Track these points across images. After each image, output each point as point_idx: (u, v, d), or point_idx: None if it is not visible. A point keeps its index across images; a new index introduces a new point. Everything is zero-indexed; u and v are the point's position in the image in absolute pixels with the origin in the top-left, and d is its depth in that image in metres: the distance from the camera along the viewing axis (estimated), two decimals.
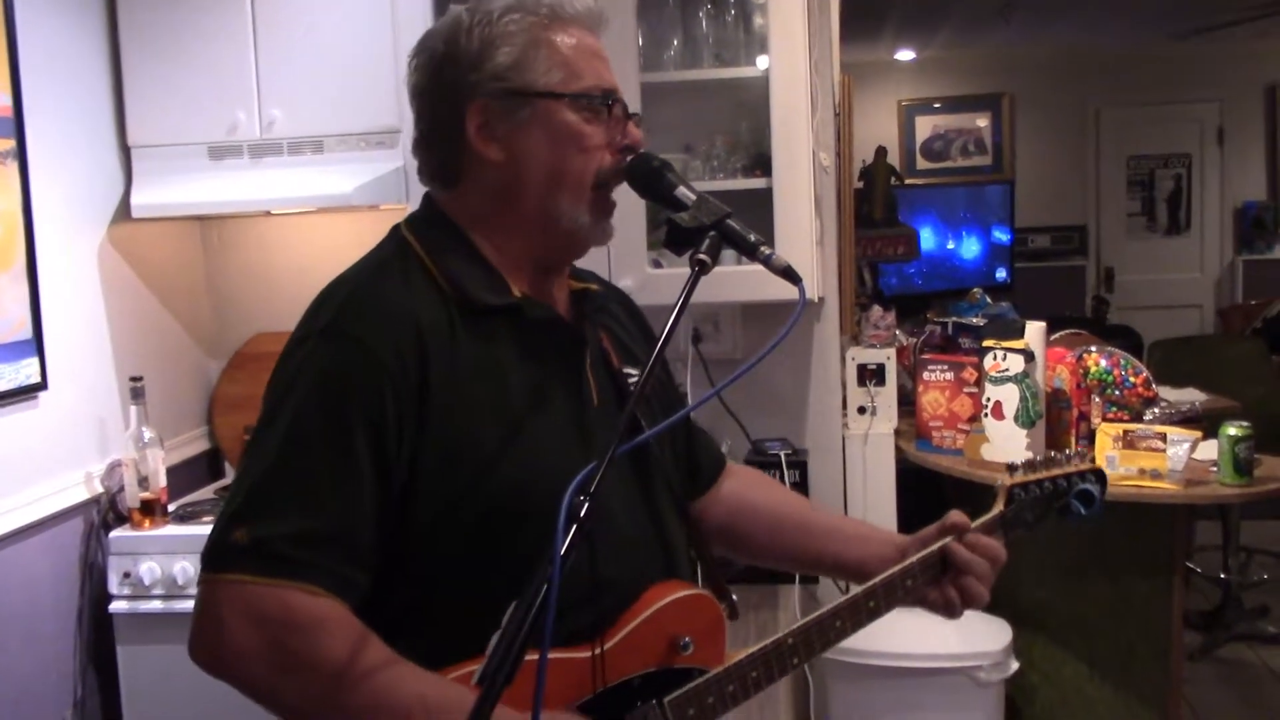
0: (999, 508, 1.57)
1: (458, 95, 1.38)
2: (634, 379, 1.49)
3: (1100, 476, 1.63)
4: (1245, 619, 4.59)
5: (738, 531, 1.66)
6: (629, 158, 1.44)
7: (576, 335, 1.45)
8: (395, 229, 1.46)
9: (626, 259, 2.92)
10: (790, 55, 2.92)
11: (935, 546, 1.50)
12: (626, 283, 2.92)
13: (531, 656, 1.08)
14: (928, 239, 7.70)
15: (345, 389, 1.28)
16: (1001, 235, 8.12)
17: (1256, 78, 8.44)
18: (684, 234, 1.41)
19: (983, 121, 8.78)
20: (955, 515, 1.53)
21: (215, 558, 1.26)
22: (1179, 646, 3.13)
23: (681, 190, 1.43)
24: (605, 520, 1.32)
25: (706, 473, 1.68)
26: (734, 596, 1.55)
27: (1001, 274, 8.09)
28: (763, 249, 1.39)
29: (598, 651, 1.33)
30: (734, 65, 3.09)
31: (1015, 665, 2.89)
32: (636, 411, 1.28)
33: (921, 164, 8.79)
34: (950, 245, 7.90)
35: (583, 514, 1.13)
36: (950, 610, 1.50)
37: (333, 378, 1.28)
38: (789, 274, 1.39)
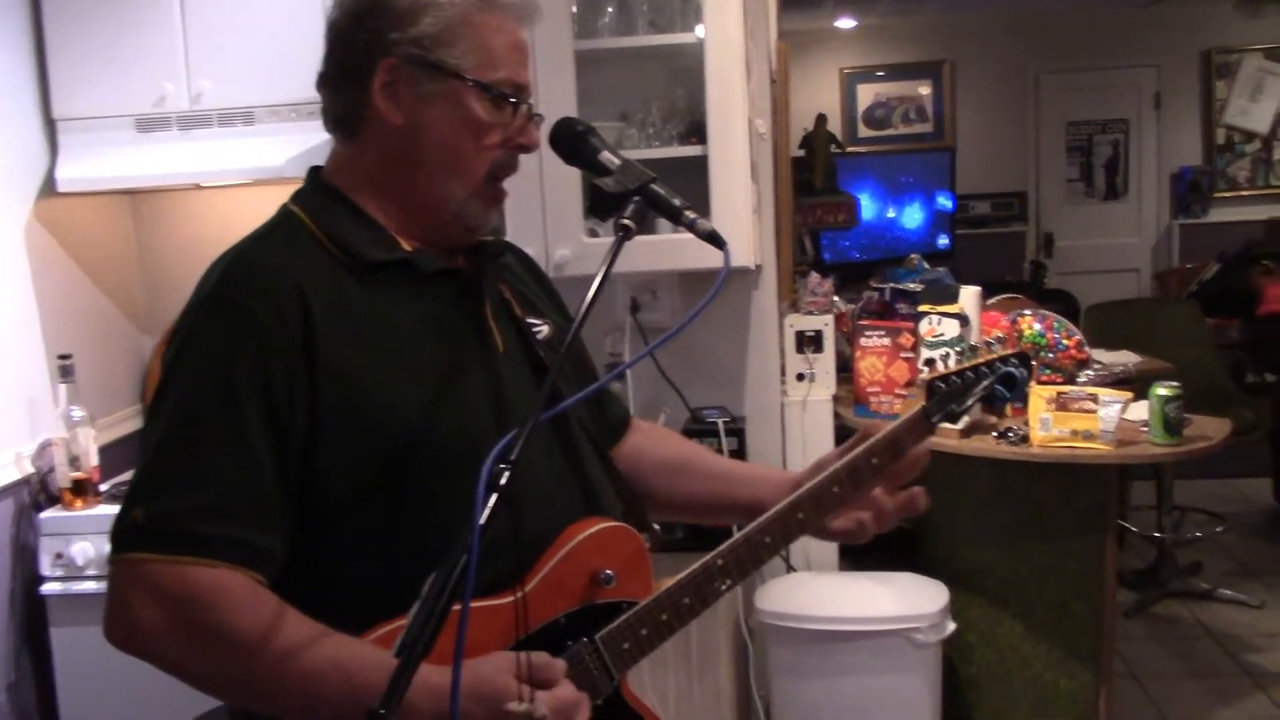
0: (922, 401, 1.57)
1: (372, 47, 1.37)
2: (537, 327, 1.51)
3: (1024, 359, 1.61)
4: (1179, 576, 4.68)
5: (641, 484, 1.66)
6: (551, 129, 1.45)
7: (474, 284, 1.45)
8: (282, 206, 1.46)
9: (561, 228, 2.91)
10: (725, 22, 2.91)
11: (861, 450, 1.49)
12: (563, 252, 2.91)
13: (456, 607, 1.08)
14: (871, 207, 7.74)
15: (229, 356, 1.27)
16: (945, 202, 8.18)
17: (1192, 44, 8.53)
18: (608, 199, 1.41)
19: (924, 89, 8.81)
20: (875, 423, 1.54)
21: (117, 538, 1.27)
22: (1112, 604, 3.18)
23: (606, 155, 1.43)
24: (524, 466, 1.32)
25: (613, 430, 1.69)
26: (656, 526, 1.56)
27: (944, 241, 8.15)
28: (687, 214, 1.40)
29: (518, 596, 1.33)
30: (669, 32, 3.08)
31: (952, 626, 2.93)
32: (553, 370, 1.29)
33: (864, 132, 8.82)
34: (890, 214, 7.94)
35: (503, 481, 1.13)
36: (881, 521, 1.51)
37: (216, 346, 1.28)
38: (714, 238, 1.41)
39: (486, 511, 1.11)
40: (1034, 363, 3.29)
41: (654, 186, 1.40)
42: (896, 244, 7.65)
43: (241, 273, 1.33)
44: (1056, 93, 8.67)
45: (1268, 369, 6.39)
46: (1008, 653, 3.19)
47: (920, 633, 2.85)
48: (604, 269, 1.32)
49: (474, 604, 1.26)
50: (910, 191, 8.09)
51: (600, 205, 1.44)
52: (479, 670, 1.23)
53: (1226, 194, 8.59)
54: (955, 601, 3.02)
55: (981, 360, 1.60)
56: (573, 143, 1.45)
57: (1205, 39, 8.49)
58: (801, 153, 7.04)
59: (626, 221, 1.37)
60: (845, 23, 8.43)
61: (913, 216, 8.10)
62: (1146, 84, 8.63)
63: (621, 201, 1.39)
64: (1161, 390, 2.98)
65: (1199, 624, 4.41)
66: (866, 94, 8.83)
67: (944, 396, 1.57)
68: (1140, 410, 3.09)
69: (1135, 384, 3.45)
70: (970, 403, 1.59)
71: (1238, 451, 4.81)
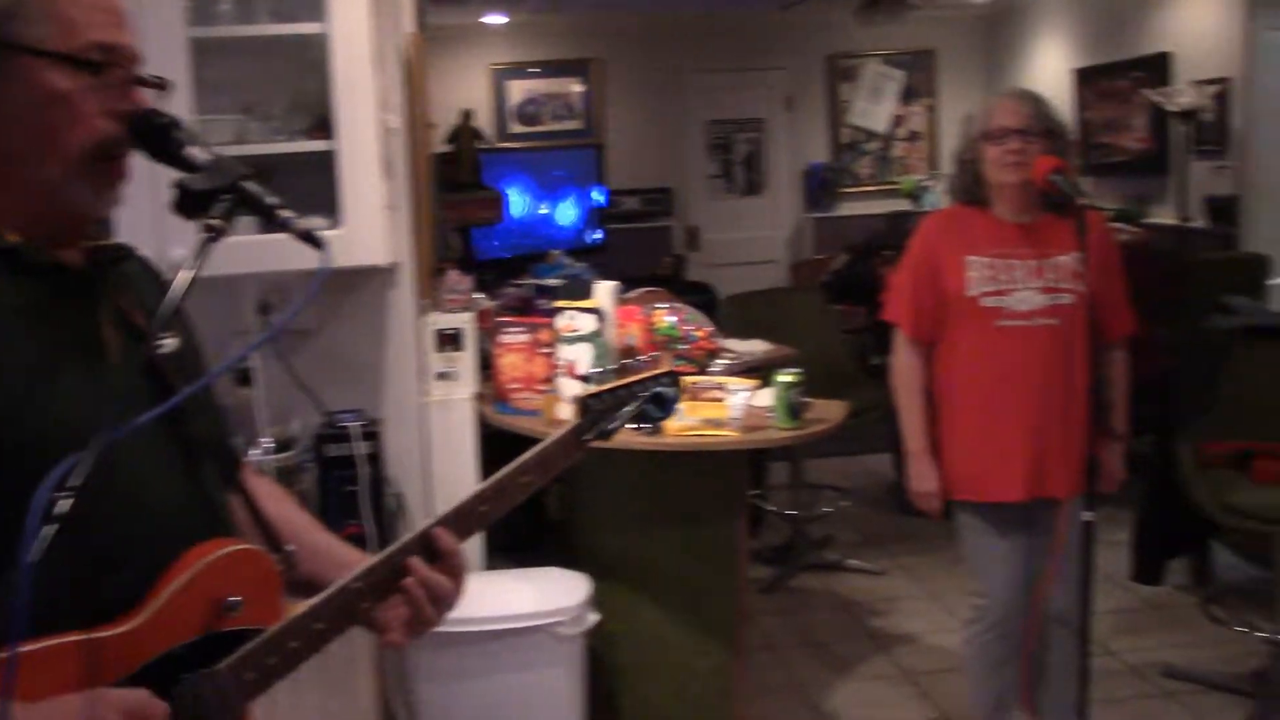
0: (575, 419, 1.57)
1: None
2: (161, 341, 1.39)
3: (674, 379, 1.64)
4: (812, 550, 4.98)
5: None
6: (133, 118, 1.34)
7: (88, 287, 1.33)
8: None
9: (178, 226, 2.72)
10: (351, 13, 2.83)
11: (512, 467, 1.47)
12: (180, 251, 2.73)
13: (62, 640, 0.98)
14: (524, 202, 7.80)
15: None
16: (598, 197, 8.36)
17: (819, 48, 9.11)
18: (196, 198, 1.32)
19: (575, 86, 8.97)
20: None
21: None
22: (745, 582, 3.34)
23: (193, 150, 1.34)
24: (133, 487, 1.24)
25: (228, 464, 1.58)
26: (290, 547, 1.48)
27: (596, 235, 8.34)
28: (281, 212, 1.33)
29: (129, 627, 1.23)
30: (293, 21, 2.95)
31: (594, 617, 2.98)
32: (128, 374, 1.20)
33: (516, 128, 8.88)
34: (543, 210, 8.04)
35: (60, 510, 1.04)
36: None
37: None
38: (310, 239, 1.35)
39: (40, 543, 1.02)
40: (676, 367, 3.40)
41: (246, 183, 1.32)
42: (551, 239, 7.76)
43: None
44: (699, 92, 9.04)
45: (888, 352, 6.90)
46: (649, 638, 3.28)
47: (562, 626, 2.88)
48: (191, 274, 1.25)
49: (72, 638, 1.17)
50: (563, 187, 8.22)
51: (186, 204, 1.34)
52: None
53: (852, 189, 9.24)
54: (599, 592, 3.08)
55: (633, 379, 1.62)
56: (154, 137, 1.34)
57: (830, 44, 9.09)
58: (450, 148, 7.01)
59: (215, 222, 1.30)
60: (494, 19, 8.45)
61: (566, 212, 8.23)
62: (779, 86, 9.15)
63: (209, 200, 1.31)
64: (783, 378, 3.14)
65: (829, 593, 4.71)
66: (517, 90, 8.89)
67: (596, 415, 1.58)
68: (767, 397, 3.24)
69: (764, 371, 3.63)
70: (621, 421, 1.61)
71: (862, 429, 5.17)
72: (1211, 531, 4.18)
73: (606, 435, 1.60)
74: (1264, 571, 4.08)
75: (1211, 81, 6.44)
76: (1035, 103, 2.98)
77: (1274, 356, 3.98)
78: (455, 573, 1.45)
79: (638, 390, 1.61)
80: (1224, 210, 6.38)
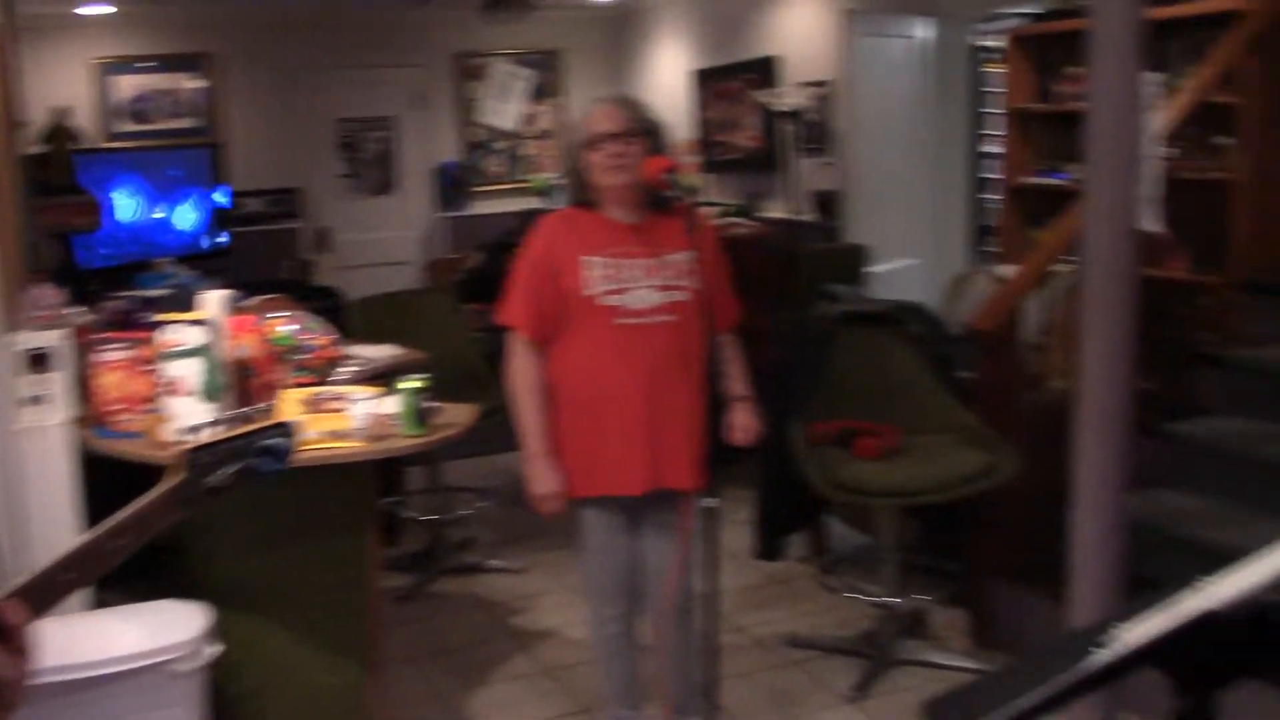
0: (179, 476, 1.43)
1: None
2: None
3: (286, 429, 1.54)
4: (452, 553, 4.95)
5: None
6: None
7: None
8: None
9: None
10: None
11: (104, 530, 1.30)
12: None
13: None
14: (137, 205, 7.32)
15: None
16: (221, 199, 7.96)
17: (447, 46, 9.06)
18: None
19: (191, 82, 8.48)
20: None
21: None
22: (377, 594, 3.26)
23: None
24: None
25: None
26: None
27: (220, 239, 7.95)
28: None
29: None
30: None
31: (213, 649, 2.81)
32: None
33: (127, 126, 8.29)
34: (159, 213, 7.57)
35: None
36: None
37: None
38: None
39: None
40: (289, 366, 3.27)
41: None
42: (168, 245, 7.32)
43: None
44: (326, 89, 8.77)
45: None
46: (277, 663, 3.13)
47: (177, 663, 2.70)
48: None
49: None
50: (181, 188, 7.78)
51: None
52: None
53: (484, 188, 9.26)
54: (222, 620, 2.91)
55: (242, 431, 1.50)
56: None
57: (458, 42, 9.05)
58: (47, 149, 6.47)
59: None
60: (96, 9, 7.84)
61: (186, 215, 7.80)
62: (408, 83, 9.02)
63: None
64: (406, 384, 3.09)
65: (470, 596, 4.69)
66: (126, 86, 8.31)
67: (201, 470, 1.45)
68: (392, 404, 3.17)
69: (391, 378, 3.56)
70: (228, 479, 1.49)
71: (496, 429, 5.17)
72: (824, 506, 4.47)
73: (213, 494, 1.48)
74: (869, 539, 4.41)
75: (815, 84, 6.89)
76: (631, 106, 3.07)
77: (870, 341, 4.29)
78: (19, 652, 1.27)
79: (249, 442, 1.51)
80: (829, 204, 6.85)
